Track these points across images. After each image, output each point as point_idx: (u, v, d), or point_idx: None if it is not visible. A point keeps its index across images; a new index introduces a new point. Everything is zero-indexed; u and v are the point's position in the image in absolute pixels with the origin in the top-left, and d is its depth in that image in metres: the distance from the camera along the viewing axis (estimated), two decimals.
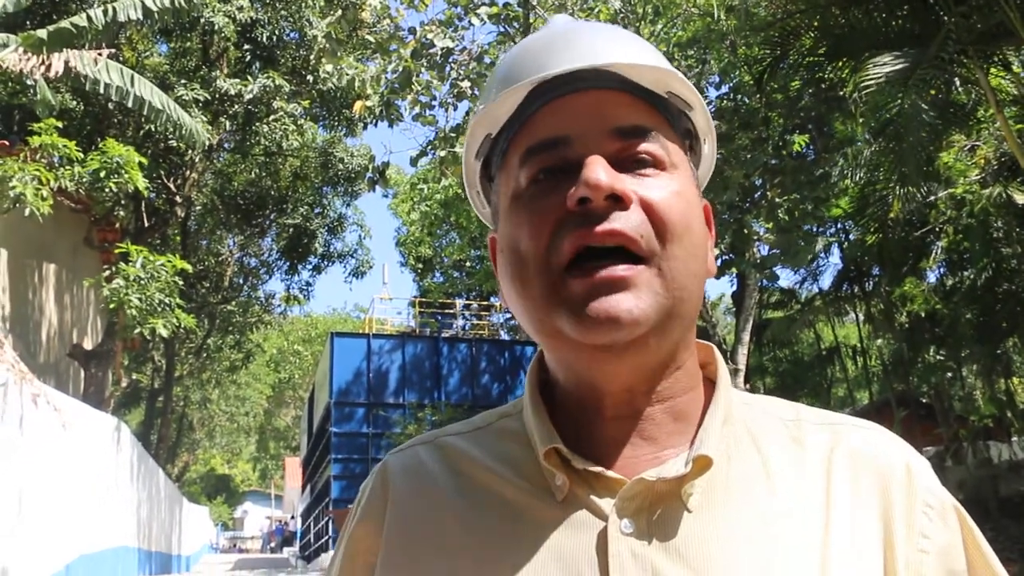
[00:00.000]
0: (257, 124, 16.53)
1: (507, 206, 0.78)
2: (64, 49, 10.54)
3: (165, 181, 17.63)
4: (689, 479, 0.73)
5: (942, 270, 16.54)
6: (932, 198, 13.22)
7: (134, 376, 25.84)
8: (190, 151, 16.47)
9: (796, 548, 0.71)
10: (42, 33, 10.65)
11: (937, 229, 14.27)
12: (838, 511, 0.74)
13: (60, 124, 11.05)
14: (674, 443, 0.77)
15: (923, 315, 15.64)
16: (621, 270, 0.70)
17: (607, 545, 0.71)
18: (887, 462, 0.77)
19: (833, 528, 0.73)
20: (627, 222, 0.71)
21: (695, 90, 0.80)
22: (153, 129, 14.51)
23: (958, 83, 10.29)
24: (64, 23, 10.88)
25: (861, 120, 12.77)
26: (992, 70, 10.52)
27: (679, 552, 0.70)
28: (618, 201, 0.71)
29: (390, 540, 0.80)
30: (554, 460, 0.76)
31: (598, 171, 0.70)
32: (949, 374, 16.23)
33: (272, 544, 47.28)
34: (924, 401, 19.09)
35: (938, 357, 15.63)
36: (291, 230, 22.06)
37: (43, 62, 10.18)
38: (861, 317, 18.69)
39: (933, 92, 9.54)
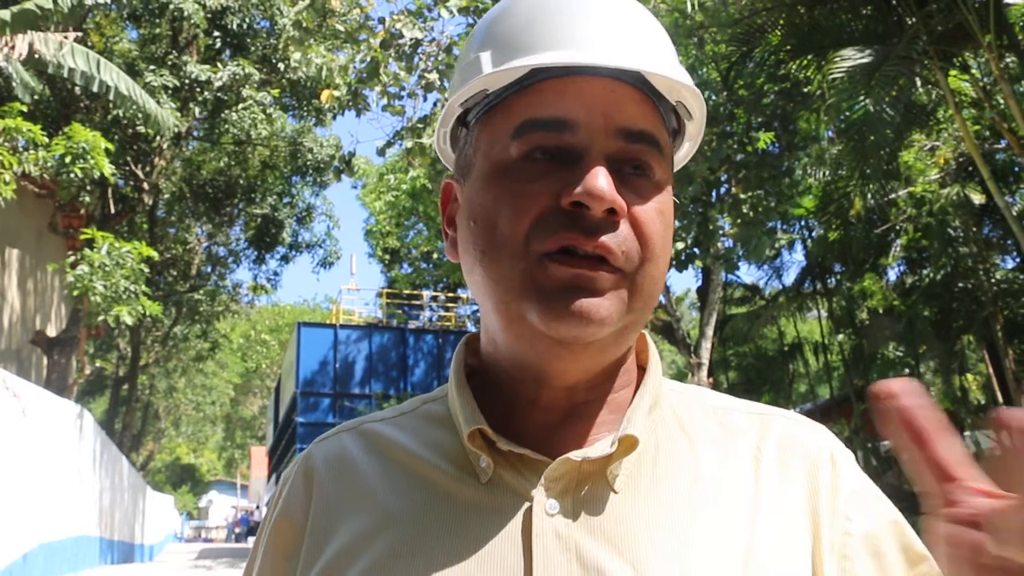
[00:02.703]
0: (226, 112, 16.44)
1: (488, 172, 0.75)
2: (28, 31, 10.43)
3: (133, 168, 17.49)
4: (615, 459, 0.74)
5: (902, 268, 16.83)
6: (893, 196, 13.44)
7: (98, 364, 25.61)
8: (158, 138, 16.36)
9: (721, 531, 0.72)
10: (5, 14, 10.52)
11: (897, 227, 14.50)
12: (766, 496, 0.75)
13: (25, 108, 10.94)
14: (604, 430, 0.78)
15: (881, 312, 15.88)
16: (600, 273, 0.70)
17: (531, 525, 0.71)
18: (814, 450, 0.78)
19: (761, 510, 0.73)
20: (615, 237, 0.70)
21: (702, 102, 0.79)
22: (121, 115, 14.40)
23: (919, 84, 10.46)
24: (29, 4, 10.74)
25: (825, 118, 12.95)
26: (952, 72, 10.72)
27: (604, 532, 0.71)
28: (612, 213, 0.70)
29: (314, 530, 0.79)
30: (479, 442, 0.75)
31: (602, 181, 0.68)
32: (907, 370, 16.49)
33: (237, 531, 47.11)
34: None
35: (896, 353, 15.87)
36: (259, 219, 21.97)
37: (7, 44, 10.08)
38: (823, 313, 18.94)
39: (895, 92, 9.72)
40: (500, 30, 0.77)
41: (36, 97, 10.52)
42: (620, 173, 0.72)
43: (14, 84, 10.25)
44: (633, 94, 0.73)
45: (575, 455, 0.73)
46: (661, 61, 0.74)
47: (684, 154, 0.86)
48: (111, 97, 11.11)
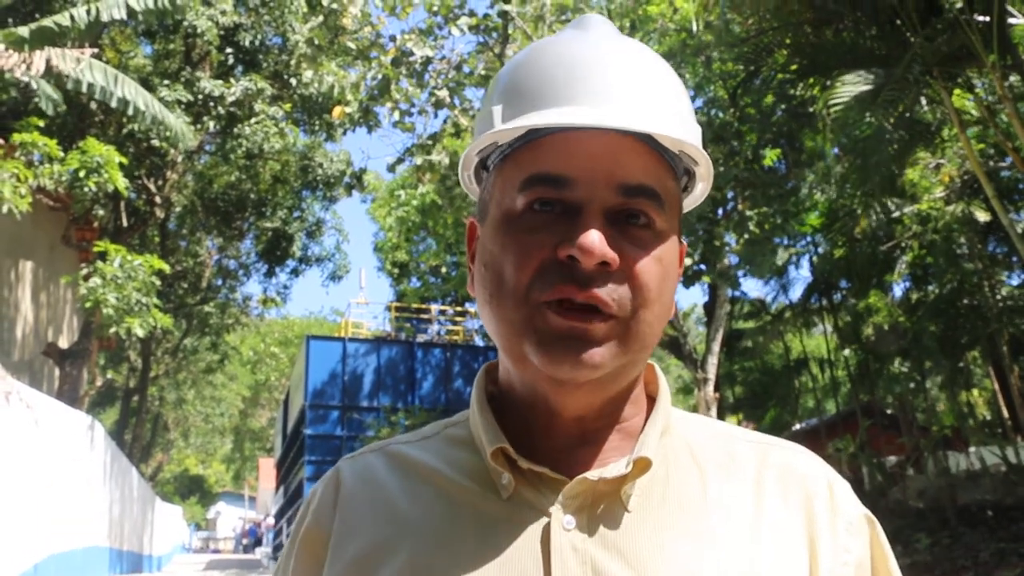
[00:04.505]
0: (239, 126, 16.58)
1: (497, 220, 0.80)
2: (46, 47, 10.58)
3: (145, 182, 17.65)
4: (629, 480, 0.78)
5: (907, 284, 16.86)
6: (898, 214, 13.50)
7: (109, 375, 25.72)
8: (171, 151, 16.52)
9: (728, 549, 0.76)
10: (24, 31, 10.66)
11: (903, 244, 14.54)
12: (768, 519, 0.79)
13: (41, 122, 11.09)
14: (616, 454, 0.82)
15: (887, 328, 15.91)
16: (593, 323, 0.74)
17: (550, 540, 0.75)
18: (811, 479, 0.83)
19: (764, 534, 0.78)
20: (607, 288, 0.74)
21: (704, 153, 0.81)
22: (136, 129, 14.54)
23: (924, 102, 10.53)
24: (47, 21, 10.88)
25: (830, 137, 13.03)
26: (956, 91, 10.78)
27: (617, 547, 0.75)
28: (605, 264, 0.74)
29: (338, 540, 0.83)
30: (500, 460, 0.79)
31: (593, 238, 0.72)
32: (913, 385, 16.51)
33: (245, 542, 47.08)
34: (889, 412, 19.40)
35: (902, 369, 15.90)
36: (270, 233, 22.05)
37: (24, 60, 10.23)
38: (829, 329, 18.96)
39: (900, 108, 9.79)
40: (512, 83, 0.81)
41: (59, 109, 10.64)
42: (619, 225, 0.76)
43: (38, 97, 10.39)
44: (636, 147, 0.77)
45: (592, 474, 0.77)
46: (663, 118, 0.77)
47: (698, 194, 0.89)
48: (130, 112, 11.23)
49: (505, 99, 0.80)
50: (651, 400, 0.88)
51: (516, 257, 0.76)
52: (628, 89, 0.76)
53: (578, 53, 0.79)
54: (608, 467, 0.79)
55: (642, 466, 0.78)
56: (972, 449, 13.76)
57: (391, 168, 13.40)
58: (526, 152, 0.79)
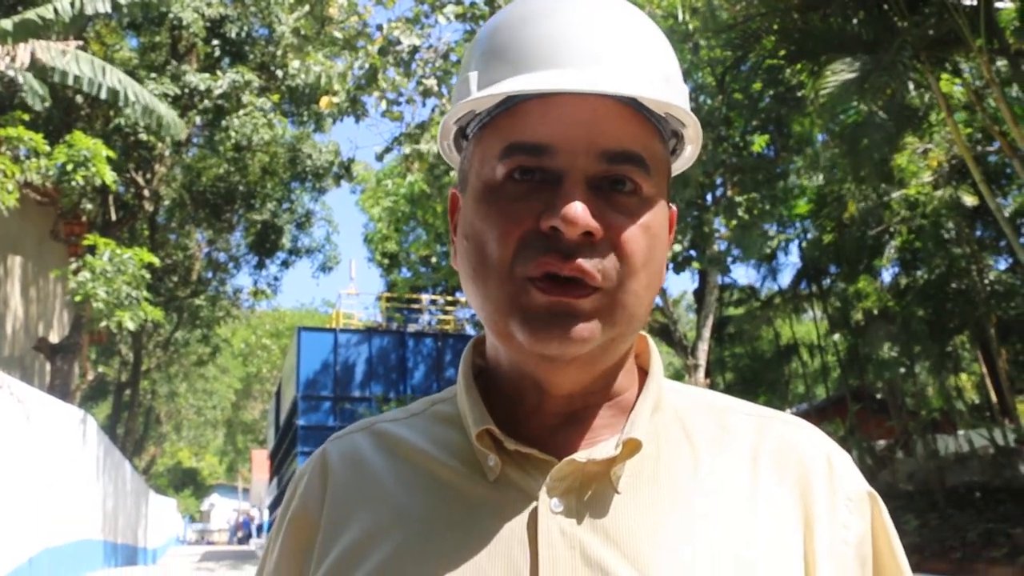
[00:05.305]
0: (227, 119, 16.52)
1: (477, 190, 0.77)
2: (30, 40, 10.51)
3: (133, 175, 17.59)
4: (619, 461, 0.75)
5: (896, 269, 16.95)
6: (886, 199, 13.54)
7: (101, 369, 25.70)
8: (159, 144, 16.46)
9: (721, 526, 0.74)
10: (7, 23, 10.60)
11: (891, 229, 14.60)
12: (763, 496, 0.76)
13: (27, 117, 11.04)
14: (607, 432, 0.79)
15: (876, 312, 15.99)
16: (579, 297, 0.71)
17: (537, 523, 0.73)
18: (810, 453, 0.80)
19: (758, 511, 0.75)
20: (592, 258, 0.71)
21: (692, 115, 0.78)
22: (123, 122, 14.49)
23: (912, 88, 10.55)
24: (30, 14, 10.79)
25: (819, 122, 13.06)
26: (944, 76, 10.82)
27: (606, 531, 0.72)
28: (589, 235, 0.71)
29: (328, 525, 0.80)
30: (486, 441, 0.77)
31: (576, 208, 0.70)
32: (902, 370, 16.60)
33: (239, 534, 47.18)
34: (878, 396, 19.52)
35: (891, 354, 15.97)
36: (259, 225, 22.03)
37: (8, 53, 10.17)
38: (819, 315, 19.05)
39: (889, 93, 9.81)
40: (489, 47, 0.77)
41: (46, 104, 10.58)
42: (603, 192, 0.73)
43: (24, 92, 10.33)
44: (619, 110, 0.73)
45: (580, 456, 0.75)
46: (647, 79, 0.74)
47: (688, 156, 0.85)
48: (120, 102, 11.17)
49: (482, 65, 0.77)
50: (643, 372, 0.85)
51: (497, 229, 0.74)
52: (610, 50, 0.73)
53: (557, 13, 0.75)
54: (597, 447, 0.77)
55: (632, 447, 0.75)
56: (960, 432, 13.85)
57: (379, 157, 13.41)
58: (505, 119, 0.75)
